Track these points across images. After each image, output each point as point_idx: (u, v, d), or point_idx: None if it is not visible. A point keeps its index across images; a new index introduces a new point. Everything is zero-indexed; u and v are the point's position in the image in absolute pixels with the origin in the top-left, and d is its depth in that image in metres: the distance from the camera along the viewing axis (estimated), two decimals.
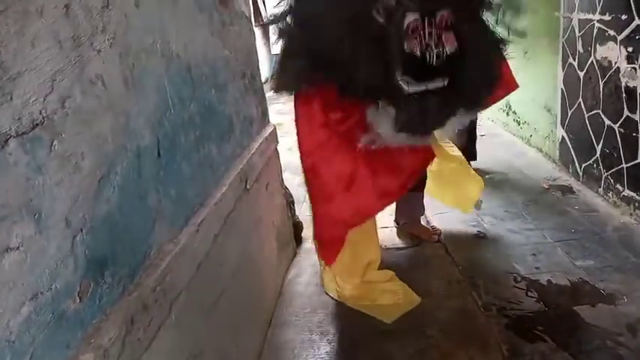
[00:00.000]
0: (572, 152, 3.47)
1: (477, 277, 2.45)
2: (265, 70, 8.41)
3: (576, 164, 3.42)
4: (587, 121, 3.23)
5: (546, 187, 3.42)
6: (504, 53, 2.18)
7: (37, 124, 0.86)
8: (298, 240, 2.97)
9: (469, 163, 3.64)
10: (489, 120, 5.07)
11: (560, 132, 3.62)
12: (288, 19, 2.07)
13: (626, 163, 2.83)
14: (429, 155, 2.35)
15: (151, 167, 1.27)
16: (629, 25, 2.65)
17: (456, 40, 1.84)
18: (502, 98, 2.43)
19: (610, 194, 3.02)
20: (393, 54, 1.85)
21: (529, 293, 2.30)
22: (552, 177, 3.57)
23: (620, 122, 2.84)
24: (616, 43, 2.79)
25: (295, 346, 2.11)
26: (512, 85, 2.45)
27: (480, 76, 1.98)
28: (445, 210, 3.02)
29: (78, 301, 0.95)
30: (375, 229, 2.50)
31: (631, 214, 2.82)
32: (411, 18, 1.80)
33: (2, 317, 0.78)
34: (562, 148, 3.63)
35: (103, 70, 1.07)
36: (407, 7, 1.82)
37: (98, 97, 1.05)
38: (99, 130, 1.05)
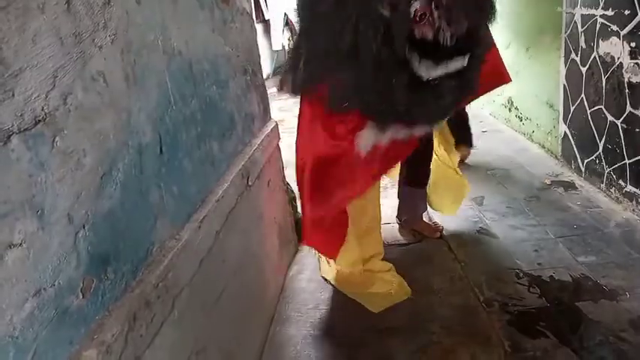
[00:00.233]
0: (575, 148, 3.47)
1: (478, 274, 2.46)
2: (267, 66, 8.43)
3: (579, 160, 3.41)
4: (589, 117, 3.22)
5: (548, 183, 3.42)
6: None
7: (39, 121, 0.86)
8: (300, 236, 2.96)
9: (468, 149, 3.66)
10: (491, 116, 5.06)
11: (563, 128, 3.61)
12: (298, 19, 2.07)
13: (628, 159, 2.82)
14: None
15: (152, 164, 1.27)
16: (632, 21, 2.64)
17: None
18: (492, 89, 2.40)
19: (612, 190, 3.02)
20: (403, 44, 1.83)
21: (531, 289, 2.30)
22: (554, 173, 3.56)
23: (622, 118, 2.83)
24: (619, 38, 2.78)
25: (297, 342, 2.12)
26: (505, 78, 2.43)
27: (481, 59, 1.98)
28: None
29: (81, 297, 0.96)
30: (379, 225, 2.49)
31: (633, 210, 2.81)
32: (417, 5, 1.80)
33: (5, 313, 0.78)
34: (564, 144, 3.63)
35: (104, 67, 1.07)
36: None
37: (100, 94, 1.05)
38: (101, 126, 1.05)
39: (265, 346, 2.10)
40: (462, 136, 3.34)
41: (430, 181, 2.79)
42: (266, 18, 8.40)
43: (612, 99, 2.93)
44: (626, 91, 2.76)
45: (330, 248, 2.33)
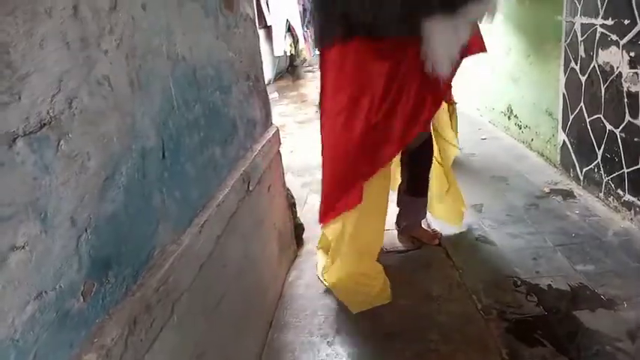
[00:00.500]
0: (574, 156, 3.48)
1: (477, 281, 2.46)
2: (268, 72, 8.45)
3: (577, 169, 3.42)
4: (588, 126, 3.23)
5: (547, 191, 3.42)
6: None
7: (44, 124, 0.87)
8: (299, 242, 2.97)
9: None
10: (490, 123, 5.08)
11: (562, 136, 3.63)
12: None
13: (627, 168, 2.84)
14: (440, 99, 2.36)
15: (155, 168, 1.27)
16: (631, 30, 2.66)
17: None
18: (474, 54, 2.40)
19: (611, 199, 3.03)
20: None
21: (529, 297, 2.30)
22: (553, 181, 3.57)
23: (621, 127, 2.84)
24: (618, 47, 2.80)
25: (295, 348, 2.12)
26: (484, 48, 2.43)
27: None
28: None
29: (82, 300, 0.96)
30: (384, 218, 2.49)
31: (632, 219, 2.82)
32: None
33: (7, 316, 0.78)
34: (563, 152, 3.64)
35: (109, 71, 1.08)
36: None
37: (105, 98, 1.06)
38: (105, 130, 1.06)
39: (264, 351, 2.10)
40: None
41: (435, 190, 2.80)
42: (268, 24, 8.43)
43: (611, 108, 2.94)
44: (625, 100, 2.78)
45: (348, 201, 2.31)
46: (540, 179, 3.63)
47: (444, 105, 2.52)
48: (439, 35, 2.05)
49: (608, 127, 2.98)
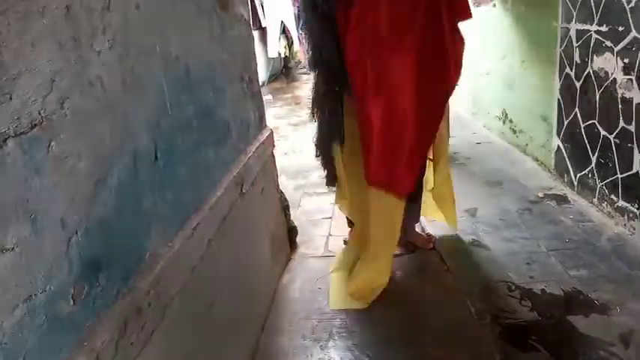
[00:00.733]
0: (568, 162, 3.48)
1: (471, 285, 2.45)
2: (262, 73, 8.44)
3: (571, 174, 3.43)
4: (582, 131, 3.24)
5: (541, 196, 3.43)
6: None
7: (35, 125, 0.86)
8: (293, 245, 2.96)
9: None
10: (485, 128, 5.09)
11: (556, 141, 3.63)
12: None
13: (620, 173, 2.84)
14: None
15: (147, 170, 1.26)
16: (626, 37, 2.67)
17: None
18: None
19: (604, 204, 3.03)
20: None
21: (523, 302, 2.30)
22: (547, 186, 3.58)
23: (615, 133, 2.85)
24: (613, 54, 2.81)
25: (288, 352, 2.11)
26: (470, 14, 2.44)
27: None
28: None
29: (72, 303, 0.95)
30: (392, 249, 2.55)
31: (625, 225, 2.83)
32: None
33: None
34: (557, 157, 3.64)
35: (102, 72, 1.07)
36: None
37: (97, 99, 1.05)
38: (97, 131, 1.05)
39: (256, 355, 2.09)
40: None
41: (433, 190, 2.80)
42: (263, 25, 8.43)
43: (605, 114, 2.95)
44: (619, 106, 2.78)
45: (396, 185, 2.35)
46: (534, 184, 3.63)
47: None
48: None
49: (603, 132, 2.99)
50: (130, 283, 1.16)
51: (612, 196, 2.94)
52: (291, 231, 2.98)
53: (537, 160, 4.00)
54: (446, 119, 2.63)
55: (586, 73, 3.13)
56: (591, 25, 3.01)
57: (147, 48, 1.29)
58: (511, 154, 4.34)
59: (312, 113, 2.50)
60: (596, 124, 3.06)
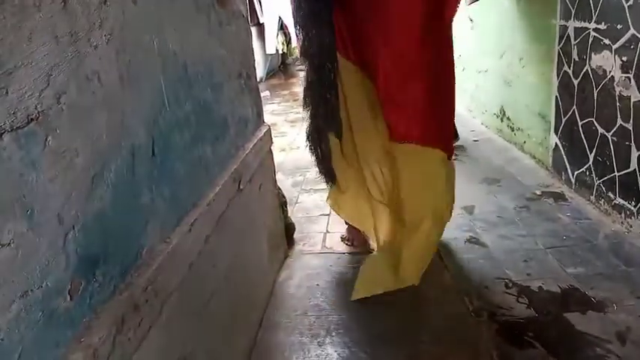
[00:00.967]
0: (565, 159, 3.49)
1: (468, 283, 2.46)
2: (260, 69, 8.43)
3: (569, 171, 3.43)
4: (580, 129, 3.24)
5: (539, 193, 3.43)
6: None
7: (32, 119, 0.85)
8: (290, 242, 2.96)
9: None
10: (483, 125, 5.09)
11: (554, 139, 3.64)
12: None
13: (618, 171, 2.84)
14: None
15: (145, 166, 1.26)
16: (624, 35, 2.67)
17: None
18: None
19: (602, 202, 3.04)
20: None
21: (520, 299, 2.30)
22: (545, 184, 3.58)
23: (613, 131, 2.85)
24: (611, 52, 2.81)
25: (285, 348, 2.11)
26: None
27: None
28: None
29: (68, 299, 0.94)
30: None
31: (622, 223, 2.83)
32: None
33: None
34: (555, 155, 3.65)
35: (99, 67, 1.06)
36: None
37: (94, 94, 1.04)
38: (94, 127, 1.04)
39: (253, 351, 2.09)
40: None
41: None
42: (260, 21, 8.41)
43: (603, 112, 2.95)
44: (617, 104, 2.78)
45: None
46: (532, 181, 3.64)
47: None
48: None
49: (600, 130, 2.99)
50: (128, 279, 1.15)
51: (609, 194, 2.94)
52: (289, 228, 2.98)
53: (535, 158, 4.00)
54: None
55: (584, 70, 3.13)
56: (589, 22, 3.01)
57: (144, 43, 1.29)
58: (509, 151, 4.35)
59: (305, 103, 2.50)
60: (594, 121, 3.06)
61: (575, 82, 3.25)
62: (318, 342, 2.13)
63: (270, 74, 9.80)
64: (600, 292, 2.29)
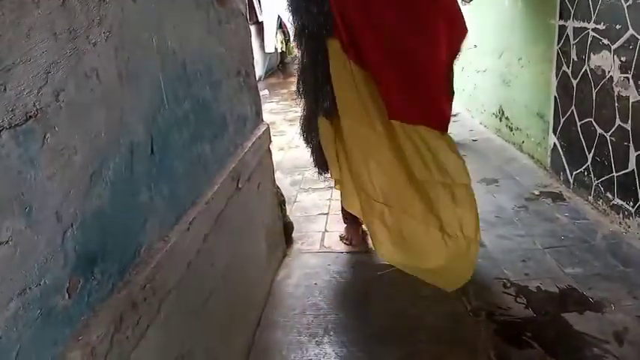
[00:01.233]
0: (564, 159, 3.49)
1: (466, 282, 2.45)
2: (259, 68, 8.42)
3: (567, 172, 3.43)
4: (579, 129, 3.24)
5: (537, 193, 3.43)
6: None
7: (30, 117, 0.85)
8: (289, 240, 2.96)
9: None
10: (482, 125, 5.09)
11: (552, 139, 3.64)
12: None
13: (616, 171, 2.85)
14: None
15: (143, 164, 1.25)
16: (623, 35, 2.67)
17: None
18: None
19: (600, 202, 3.04)
20: None
21: (518, 299, 2.30)
22: (543, 184, 3.58)
23: (611, 131, 2.85)
24: (610, 52, 2.81)
25: (283, 347, 2.10)
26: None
27: None
28: None
29: (67, 297, 0.94)
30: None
31: (620, 223, 2.83)
32: None
33: None
34: (553, 155, 3.65)
35: (98, 64, 1.06)
36: None
37: (92, 91, 1.04)
38: (92, 124, 1.04)
39: (251, 350, 2.09)
40: None
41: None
42: (259, 20, 8.40)
43: (602, 112, 2.95)
44: (616, 104, 2.79)
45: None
46: (530, 181, 3.64)
47: None
48: None
49: (599, 130, 3.00)
50: (126, 277, 1.15)
51: (608, 194, 2.95)
52: (287, 226, 2.97)
53: (533, 158, 4.00)
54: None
55: (583, 71, 3.13)
56: (589, 23, 3.01)
57: (143, 41, 1.28)
58: (507, 151, 4.35)
59: (298, 88, 2.48)
60: (593, 122, 3.06)
61: (574, 82, 3.25)
62: (316, 341, 2.13)
63: (269, 73, 9.79)
64: (598, 293, 2.30)
